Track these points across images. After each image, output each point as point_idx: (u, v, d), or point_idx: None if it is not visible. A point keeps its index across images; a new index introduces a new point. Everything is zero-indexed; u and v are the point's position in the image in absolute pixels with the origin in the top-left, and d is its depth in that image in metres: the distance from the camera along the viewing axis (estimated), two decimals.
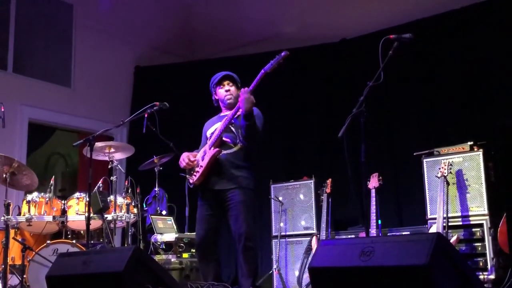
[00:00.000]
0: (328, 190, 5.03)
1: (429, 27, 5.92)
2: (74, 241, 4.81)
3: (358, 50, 6.30)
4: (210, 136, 4.05)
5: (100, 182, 4.98)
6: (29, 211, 4.92)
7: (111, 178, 5.12)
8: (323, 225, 4.87)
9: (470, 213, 4.42)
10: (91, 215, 4.49)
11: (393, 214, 5.75)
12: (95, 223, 4.95)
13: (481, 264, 4.30)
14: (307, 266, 4.73)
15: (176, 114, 5.81)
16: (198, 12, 7.69)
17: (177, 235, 5.25)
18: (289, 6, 7.08)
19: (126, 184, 5.37)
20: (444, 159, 4.50)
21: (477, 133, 4.92)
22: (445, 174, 4.35)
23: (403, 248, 2.36)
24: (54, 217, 4.94)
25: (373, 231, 4.30)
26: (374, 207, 4.40)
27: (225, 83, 4.12)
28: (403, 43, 3.48)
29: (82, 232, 5.21)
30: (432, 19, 5.94)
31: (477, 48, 5.59)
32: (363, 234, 4.53)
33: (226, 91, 4.09)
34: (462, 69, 5.68)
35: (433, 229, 4.37)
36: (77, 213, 4.98)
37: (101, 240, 5.05)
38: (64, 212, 5.02)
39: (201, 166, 3.96)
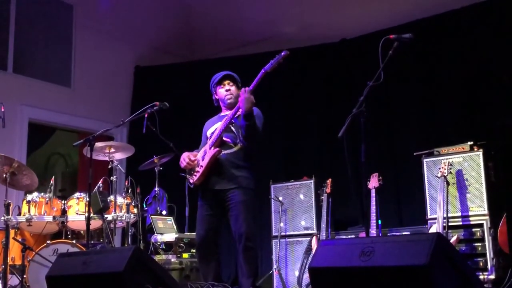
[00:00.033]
0: (328, 190, 5.02)
1: (429, 27, 5.92)
2: (74, 241, 4.80)
3: (358, 50, 6.30)
4: (210, 136, 4.05)
5: (100, 182, 4.98)
6: (29, 211, 4.92)
7: (111, 178, 5.12)
8: (323, 225, 4.87)
9: (470, 213, 4.42)
10: (91, 215, 4.50)
11: (393, 214, 5.75)
12: (95, 223, 4.95)
13: (481, 264, 4.29)
14: (307, 266, 4.73)
15: (176, 114, 5.82)
16: (198, 12, 7.69)
17: (177, 235, 5.25)
18: (289, 6, 7.08)
19: (126, 184, 5.37)
20: (444, 159, 4.50)
21: (477, 133, 4.93)
22: (445, 174, 4.35)
23: (403, 248, 2.36)
24: (54, 217, 4.94)
25: (373, 231, 4.30)
26: (374, 207, 4.40)
27: (226, 82, 4.12)
28: (403, 43, 3.48)
29: (82, 232, 5.21)
30: (432, 19, 5.94)
31: (477, 48, 5.59)
32: (363, 234, 4.52)
33: (227, 90, 4.09)
34: (462, 69, 5.68)
35: (433, 229, 4.37)
36: (77, 213, 4.98)
37: (101, 240, 5.05)
38: (64, 212, 5.02)
39: (201, 166, 3.96)
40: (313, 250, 4.84)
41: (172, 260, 5.08)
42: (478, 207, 4.40)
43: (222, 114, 4.16)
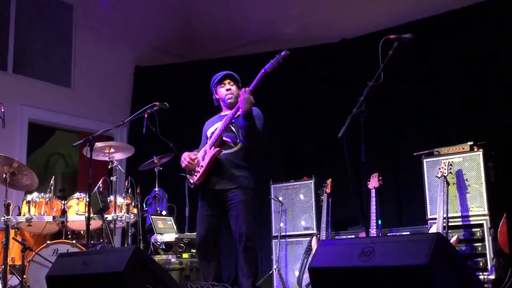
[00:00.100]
0: (328, 190, 5.03)
1: (429, 27, 5.92)
2: (74, 241, 4.80)
3: (358, 50, 6.30)
4: (211, 136, 4.05)
5: (100, 182, 4.98)
6: (29, 211, 4.92)
7: (111, 178, 5.11)
8: (323, 225, 4.87)
9: (470, 213, 4.42)
10: (91, 215, 4.49)
11: (393, 214, 5.75)
12: (95, 223, 4.95)
13: (481, 264, 4.30)
14: (307, 266, 4.73)
15: (176, 114, 5.82)
16: (198, 12, 7.69)
17: (177, 235, 5.25)
18: (289, 6, 7.08)
19: (126, 184, 5.37)
20: (444, 159, 4.50)
21: (477, 133, 4.93)
22: (445, 174, 4.35)
23: (403, 248, 2.36)
24: (54, 217, 4.94)
25: (373, 231, 4.30)
26: (374, 207, 4.40)
27: (226, 82, 4.12)
28: (403, 43, 3.48)
29: (82, 232, 5.21)
30: (432, 19, 5.94)
31: (477, 48, 5.59)
32: (363, 234, 4.52)
33: (227, 90, 4.09)
34: (462, 69, 5.68)
35: (433, 229, 4.37)
36: (77, 213, 4.98)
37: (101, 240, 5.05)
38: (64, 212, 5.02)
39: (202, 166, 3.96)
40: (313, 250, 4.84)
41: (172, 260, 5.08)
42: (478, 207, 4.40)
43: (222, 113, 4.15)
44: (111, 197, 5.03)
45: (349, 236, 4.96)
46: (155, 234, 5.27)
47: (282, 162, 6.74)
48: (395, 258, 2.34)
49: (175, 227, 5.56)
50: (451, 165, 4.41)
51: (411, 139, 5.88)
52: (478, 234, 4.36)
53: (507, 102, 5.23)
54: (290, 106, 6.86)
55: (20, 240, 4.66)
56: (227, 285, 3.89)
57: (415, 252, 2.30)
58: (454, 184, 4.48)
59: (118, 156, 5.32)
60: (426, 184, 4.63)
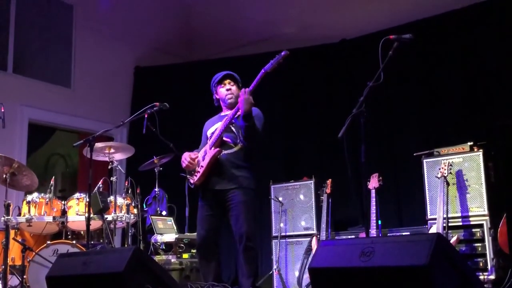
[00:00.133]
0: (328, 191, 5.03)
1: (429, 27, 5.92)
2: (74, 242, 4.80)
3: (358, 51, 6.29)
4: (211, 136, 4.05)
5: (100, 183, 4.98)
6: (29, 211, 4.92)
7: (111, 178, 5.11)
8: (323, 225, 4.87)
9: (470, 214, 4.43)
10: (91, 215, 4.49)
11: (393, 214, 5.75)
12: (95, 224, 4.95)
13: (481, 264, 4.30)
14: (307, 267, 4.72)
15: (176, 114, 5.81)
16: (198, 12, 7.69)
17: (177, 236, 5.25)
18: (289, 6, 7.08)
19: (126, 184, 5.37)
20: (444, 160, 4.50)
21: (477, 133, 4.93)
22: (445, 175, 4.35)
23: (403, 249, 2.36)
24: (54, 218, 4.94)
25: (373, 232, 4.30)
26: (374, 207, 4.40)
27: (226, 82, 4.12)
28: (403, 44, 3.48)
29: (82, 232, 5.21)
30: (432, 19, 5.94)
31: (477, 48, 5.59)
32: (363, 235, 4.53)
33: (227, 90, 4.09)
34: (462, 69, 5.68)
35: (433, 230, 4.37)
36: (77, 214, 4.98)
37: (101, 240, 5.05)
38: (64, 212, 5.02)
39: (202, 166, 3.96)
40: (313, 251, 4.84)
41: (172, 260, 5.08)
42: (478, 208, 4.40)
43: (222, 114, 4.15)
44: (111, 198, 5.03)
45: (349, 237, 4.96)
46: (155, 235, 5.27)
47: (282, 162, 6.74)
48: (395, 259, 2.34)
49: (175, 228, 5.56)
50: (451, 165, 4.41)
51: (411, 139, 5.88)
52: (478, 234, 4.36)
53: (507, 102, 5.23)
54: (290, 106, 6.86)
55: (20, 240, 4.66)
56: (227, 285, 3.89)
57: (415, 252, 2.30)
58: (454, 184, 4.48)
59: (118, 156, 5.32)
60: (426, 184, 4.63)
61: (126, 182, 5.38)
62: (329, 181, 5.08)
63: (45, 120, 6.98)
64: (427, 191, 4.62)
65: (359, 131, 3.37)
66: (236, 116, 3.91)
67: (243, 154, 3.97)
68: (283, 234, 5.36)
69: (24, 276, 4.58)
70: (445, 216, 4.21)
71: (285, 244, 5.37)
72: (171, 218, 5.65)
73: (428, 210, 4.60)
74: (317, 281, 2.64)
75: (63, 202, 5.08)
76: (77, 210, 4.99)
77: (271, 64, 3.83)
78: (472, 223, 4.41)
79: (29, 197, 5.01)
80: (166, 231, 5.37)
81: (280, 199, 5.39)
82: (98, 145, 4.87)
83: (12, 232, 4.81)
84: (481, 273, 4.23)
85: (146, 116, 4.57)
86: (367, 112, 3.35)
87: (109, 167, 5.20)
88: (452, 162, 4.46)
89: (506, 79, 5.32)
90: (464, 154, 4.54)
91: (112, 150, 5.13)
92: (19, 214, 5.02)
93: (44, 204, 4.97)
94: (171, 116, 5.19)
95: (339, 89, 6.47)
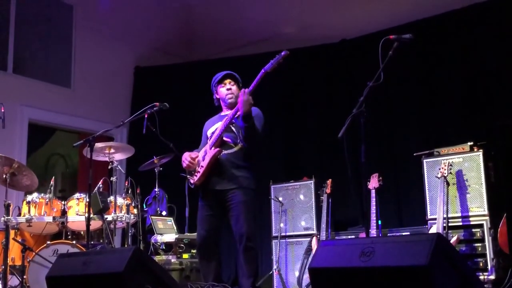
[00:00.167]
0: (328, 191, 5.03)
1: (429, 27, 5.92)
2: (74, 242, 4.80)
3: (358, 51, 6.30)
4: (211, 136, 4.04)
5: (100, 183, 4.98)
6: (29, 211, 4.92)
7: (111, 178, 5.11)
8: (323, 225, 4.87)
9: (470, 214, 4.42)
10: (91, 215, 4.49)
11: (393, 214, 5.75)
12: (95, 224, 4.95)
13: (481, 264, 4.30)
14: (307, 267, 4.72)
15: (176, 114, 5.81)
16: (198, 12, 7.69)
17: (177, 236, 5.25)
18: (289, 6, 7.07)
19: (126, 184, 5.37)
20: (444, 160, 4.50)
21: (477, 133, 4.93)
22: (445, 175, 4.35)
23: (403, 249, 2.36)
24: (54, 218, 4.94)
25: (373, 232, 4.29)
26: (374, 207, 4.40)
27: (227, 81, 4.11)
28: (403, 44, 3.48)
29: (82, 232, 5.20)
30: (432, 19, 5.94)
31: (477, 48, 5.59)
32: (363, 235, 4.52)
33: (228, 89, 4.09)
34: (462, 69, 5.68)
35: (433, 230, 4.37)
36: (77, 214, 4.98)
37: (101, 240, 5.05)
38: (64, 212, 5.02)
39: (202, 166, 3.96)
40: (313, 251, 4.84)
41: (172, 260, 5.08)
42: (478, 208, 4.40)
43: (222, 113, 4.15)
44: (111, 198, 5.03)
45: (349, 237, 4.96)
46: (155, 235, 5.26)
47: (282, 162, 6.74)
48: (395, 259, 2.34)
49: (175, 228, 5.56)
50: (451, 165, 4.41)
51: (411, 139, 5.88)
52: (478, 234, 4.36)
53: (507, 102, 5.23)
54: (290, 106, 6.86)
55: (20, 240, 4.66)
56: (227, 285, 3.89)
57: (415, 252, 2.30)
58: (454, 184, 4.48)
59: (118, 156, 5.32)
60: (426, 184, 4.63)
61: (126, 182, 5.38)
62: (329, 181, 5.08)
63: (45, 120, 6.98)
64: (427, 191, 4.62)
65: (359, 131, 3.37)
66: (236, 116, 3.91)
67: (243, 154, 3.97)
68: (283, 234, 5.36)
69: (24, 276, 4.58)
70: (445, 216, 4.21)
71: (285, 244, 5.37)
72: (171, 218, 5.65)
73: (428, 210, 4.60)
74: (317, 281, 2.64)
75: (63, 202, 5.08)
76: (77, 210, 4.99)
77: (271, 64, 3.83)
78: (472, 223, 4.41)
79: (29, 197, 5.01)
80: (166, 231, 5.37)
81: (280, 199, 5.39)
82: (98, 145, 4.87)
83: (12, 232, 4.81)
84: (481, 273, 4.23)
85: (146, 116, 4.57)
86: (367, 112, 3.35)
87: (109, 167, 5.20)
88: (452, 162, 4.46)
89: (506, 79, 5.32)
90: (464, 154, 4.54)
91: (112, 150, 5.13)
92: (19, 214, 5.02)
93: (44, 204, 4.97)
94: (171, 116, 5.19)
95: (339, 89, 6.47)
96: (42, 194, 5.02)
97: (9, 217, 4.76)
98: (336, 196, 5.11)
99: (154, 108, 4.46)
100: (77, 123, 7.18)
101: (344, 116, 3.40)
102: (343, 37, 6.59)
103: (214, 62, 7.15)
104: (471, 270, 2.75)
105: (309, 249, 5.01)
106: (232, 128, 3.98)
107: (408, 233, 4.70)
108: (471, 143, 4.59)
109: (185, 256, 5.17)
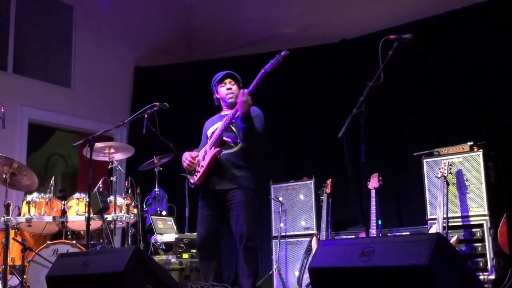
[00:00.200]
0: (328, 191, 5.03)
1: (429, 27, 5.92)
2: (74, 242, 4.80)
3: (358, 51, 6.29)
4: (211, 136, 4.04)
5: (100, 183, 4.98)
6: (29, 211, 4.92)
7: (111, 178, 5.11)
8: (323, 225, 4.87)
9: (470, 214, 4.43)
10: (91, 215, 4.49)
11: (393, 214, 5.75)
12: (95, 224, 4.95)
13: (481, 264, 4.30)
14: (307, 267, 4.73)
15: (176, 114, 5.81)
16: (198, 12, 7.69)
17: (177, 236, 5.25)
18: (289, 6, 7.08)
19: (126, 184, 5.37)
20: (444, 160, 4.50)
21: (477, 133, 4.93)
22: (445, 175, 4.35)
23: (403, 249, 2.36)
24: (54, 218, 4.94)
25: (373, 232, 4.30)
26: (374, 207, 4.40)
27: (227, 81, 4.11)
28: (403, 44, 3.47)
29: (82, 232, 5.21)
30: (432, 19, 5.94)
31: (477, 48, 5.59)
32: (363, 235, 4.52)
33: (228, 89, 4.08)
34: (462, 69, 5.68)
35: (433, 230, 4.37)
36: (77, 214, 4.98)
37: (101, 240, 5.05)
38: (64, 212, 5.02)
39: (202, 166, 3.96)
40: (313, 251, 4.84)
41: (172, 260, 5.08)
42: (478, 208, 4.40)
43: (222, 113, 4.15)
44: (111, 198, 5.03)
45: (349, 236, 4.96)
46: (155, 234, 5.26)
47: (282, 162, 6.74)
48: (395, 258, 2.34)
49: (175, 227, 5.56)
50: (451, 165, 4.41)
51: (411, 139, 5.88)
52: (478, 234, 4.36)
53: (507, 102, 5.23)
54: (290, 106, 6.85)
55: (20, 240, 4.66)
56: (227, 285, 3.89)
57: (415, 252, 2.30)
58: (454, 184, 4.49)
59: (118, 156, 5.32)
60: (426, 184, 4.63)
61: (126, 182, 5.38)
62: (329, 181, 5.08)
63: (45, 120, 6.97)
64: (427, 191, 4.62)
65: (359, 131, 3.37)
66: (236, 115, 3.90)
67: (243, 154, 3.97)
68: (283, 234, 5.36)
69: (24, 276, 4.57)
70: (445, 216, 4.21)
71: (285, 244, 5.37)
72: (171, 218, 5.65)
73: (428, 210, 4.60)
74: (317, 281, 2.64)
75: (63, 202, 5.08)
76: (77, 210, 4.99)
77: (271, 64, 3.83)
78: (472, 223, 4.41)
79: (29, 197, 5.01)
80: (166, 231, 5.37)
81: (280, 199, 5.39)
82: (98, 145, 4.87)
83: (12, 232, 4.81)
84: (481, 273, 4.23)
85: (146, 116, 4.57)
86: (367, 112, 3.35)
87: (109, 167, 5.20)
88: (452, 162, 4.46)
89: (506, 79, 5.32)
90: (464, 154, 4.54)
91: (112, 150, 5.13)
92: (19, 214, 5.02)
93: (44, 204, 4.97)
94: (171, 116, 5.19)
95: (339, 89, 6.47)
96: (42, 194, 5.02)
97: (9, 217, 4.76)
98: (336, 196, 5.11)
99: (154, 108, 4.46)
100: (77, 123, 7.18)
101: (344, 116, 3.40)
102: (343, 37, 6.59)
103: (214, 62, 7.15)
104: (471, 270, 2.75)
105: (309, 249, 5.01)
106: (232, 128, 3.98)
107: (408, 233, 4.70)
108: (471, 143, 4.59)
109: (185, 256, 5.17)
